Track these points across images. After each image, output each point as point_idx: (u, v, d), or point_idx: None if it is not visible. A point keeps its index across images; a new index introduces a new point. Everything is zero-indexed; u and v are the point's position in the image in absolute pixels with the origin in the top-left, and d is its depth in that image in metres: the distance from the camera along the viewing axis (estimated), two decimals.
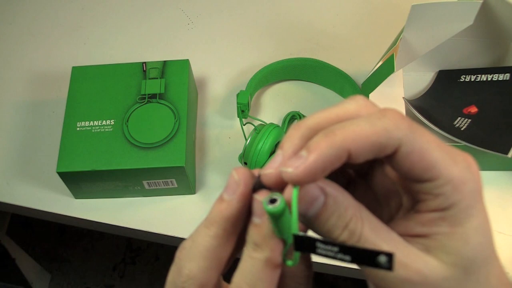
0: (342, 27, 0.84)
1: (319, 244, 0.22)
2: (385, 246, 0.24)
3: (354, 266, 0.50)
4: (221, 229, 0.26)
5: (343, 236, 0.24)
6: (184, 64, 0.70)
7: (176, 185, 0.66)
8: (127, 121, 0.66)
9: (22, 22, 0.87)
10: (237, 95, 0.70)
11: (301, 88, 0.77)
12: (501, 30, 0.67)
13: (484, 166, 0.67)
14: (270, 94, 0.77)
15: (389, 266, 0.21)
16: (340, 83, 0.75)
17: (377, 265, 0.21)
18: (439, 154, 0.24)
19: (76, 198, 0.69)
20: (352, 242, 0.24)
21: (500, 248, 0.62)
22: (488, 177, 0.67)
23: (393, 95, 0.68)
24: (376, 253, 0.21)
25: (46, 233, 1.46)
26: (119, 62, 0.71)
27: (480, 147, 0.60)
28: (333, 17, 0.85)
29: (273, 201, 0.23)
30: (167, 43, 0.83)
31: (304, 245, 0.23)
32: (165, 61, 0.70)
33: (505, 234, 0.63)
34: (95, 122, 0.66)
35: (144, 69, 0.70)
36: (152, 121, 0.65)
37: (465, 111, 0.67)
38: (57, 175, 0.63)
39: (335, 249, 0.22)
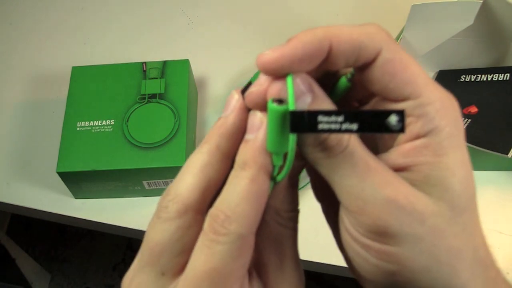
0: None
1: (321, 118, 0.20)
2: (372, 163, 0.22)
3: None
4: (215, 145, 0.24)
5: (330, 141, 0.22)
6: (184, 64, 0.70)
7: None
8: (127, 121, 0.66)
9: (22, 22, 0.87)
10: None
11: None
12: (501, 30, 0.67)
13: (484, 166, 0.67)
14: None
15: (401, 126, 0.19)
16: None
17: (387, 129, 0.19)
18: (420, 71, 0.23)
19: (76, 198, 0.69)
20: (338, 149, 0.22)
21: (500, 248, 0.62)
22: (488, 177, 0.67)
23: None
24: (386, 113, 0.19)
25: (46, 233, 1.46)
26: (119, 62, 0.71)
27: (480, 147, 0.60)
28: (333, 17, 0.85)
29: (277, 102, 0.22)
30: (167, 43, 0.83)
31: (304, 123, 0.20)
32: (165, 61, 0.70)
33: (505, 234, 0.63)
34: (95, 122, 0.66)
35: (144, 69, 0.70)
36: (152, 121, 0.65)
37: (465, 111, 0.67)
38: (57, 175, 0.63)
39: (340, 119, 0.20)
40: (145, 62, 0.70)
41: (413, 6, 0.59)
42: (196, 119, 0.74)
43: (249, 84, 0.24)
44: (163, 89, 0.68)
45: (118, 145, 0.64)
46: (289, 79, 0.22)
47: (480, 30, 0.68)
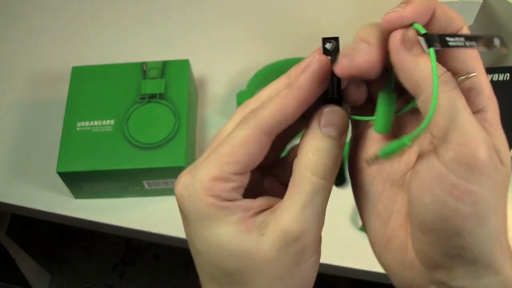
0: (344, 26, 0.84)
1: (448, 38, 0.27)
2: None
3: (353, 265, 0.50)
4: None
5: (444, 77, 0.27)
6: (184, 64, 0.70)
7: None
8: (127, 121, 0.66)
9: (22, 22, 0.87)
10: (238, 95, 0.70)
11: None
12: (501, 30, 0.67)
13: None
14: None
15: (503, 44, 0.28)
16: None
17: (494, 46, 0.28)
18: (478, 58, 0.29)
19: (76, 198, 0.69)
20: (448, 83, 0.27)
21: None
22: None
23: None
24: (493, 36, 0.28)
25: (46, 233, 1.46)
26: (119, 62, 0.71)
27: None
28: (334, 17, 0.85)
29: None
30: (167, 43, 0.83)
31: (435, 42, 0.26)
32: (165, 61, 0.70)
33: None
34: (95, 122, 0.66)
35: (144, 69, 0.70)
36: (152, 121, 0.65)
37: None
38: (57, 175, 0.63)
39: (462, 39, 0.27)
40: (145, 62, 0.70)
41: None
42: (196, 119, 0.74)
43: (335, 50, 0.32)
44: (163, 89, 0.68)
45: (118, 145, 0.64)
46: (415, 25, 0.28)
47: (480, 30, 0.68)
